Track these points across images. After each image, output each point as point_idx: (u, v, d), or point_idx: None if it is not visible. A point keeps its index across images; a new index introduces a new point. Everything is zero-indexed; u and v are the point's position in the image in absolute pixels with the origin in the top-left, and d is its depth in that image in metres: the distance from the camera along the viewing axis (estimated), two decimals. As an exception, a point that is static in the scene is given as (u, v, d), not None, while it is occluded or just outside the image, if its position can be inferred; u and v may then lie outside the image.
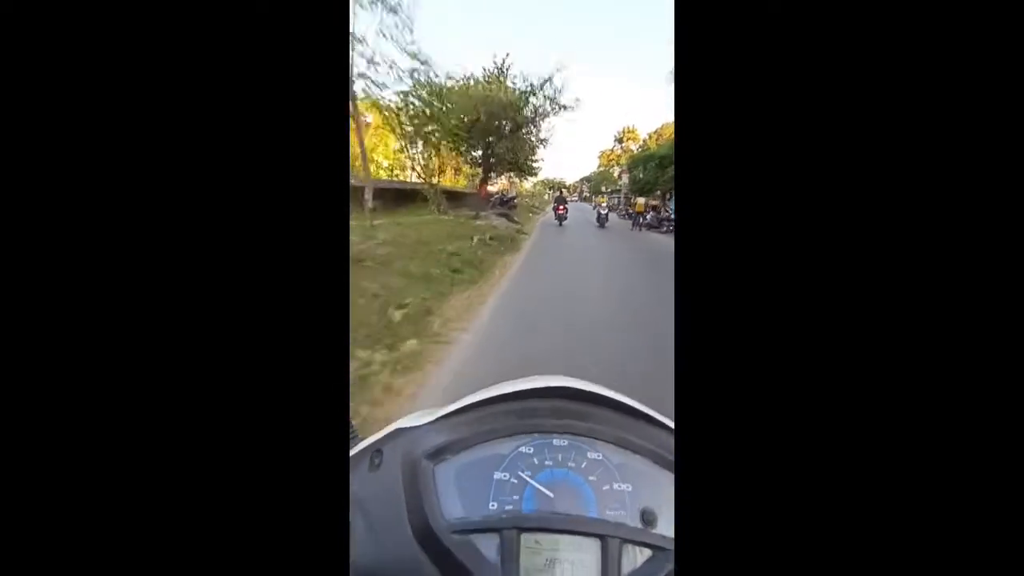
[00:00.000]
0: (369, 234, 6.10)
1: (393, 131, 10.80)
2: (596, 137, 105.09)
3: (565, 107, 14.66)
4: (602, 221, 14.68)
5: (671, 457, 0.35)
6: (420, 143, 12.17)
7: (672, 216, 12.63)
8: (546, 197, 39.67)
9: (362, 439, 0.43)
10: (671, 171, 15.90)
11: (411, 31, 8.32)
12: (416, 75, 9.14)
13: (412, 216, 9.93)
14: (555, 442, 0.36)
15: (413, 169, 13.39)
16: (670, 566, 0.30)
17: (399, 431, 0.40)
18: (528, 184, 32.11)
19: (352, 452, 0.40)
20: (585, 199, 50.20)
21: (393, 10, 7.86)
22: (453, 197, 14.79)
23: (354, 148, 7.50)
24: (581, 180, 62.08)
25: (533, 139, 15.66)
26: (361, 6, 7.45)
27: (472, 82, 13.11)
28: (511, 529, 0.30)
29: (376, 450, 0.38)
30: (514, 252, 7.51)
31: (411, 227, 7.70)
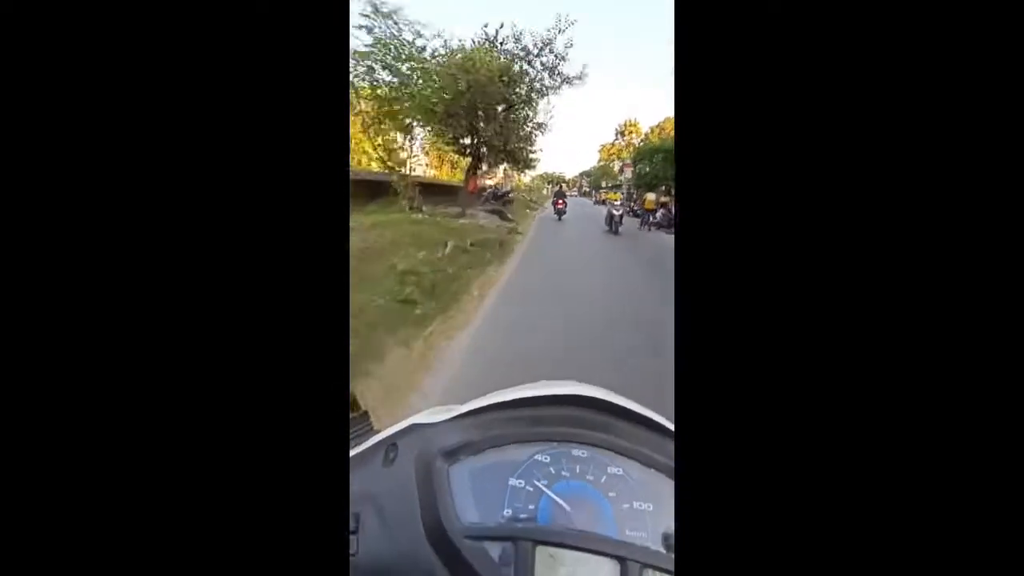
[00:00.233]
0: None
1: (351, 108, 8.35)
2: (596, 130, 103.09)
3: (569, 80, 10.83)
4: (615, 226, 10.39)
5: None
6: (385, 121, 9.36)
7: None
8: (545, 192, 37.71)
9: (376, 432, 0.43)
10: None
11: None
12: (376, 31, 6.98)
13: (376, 215, 7.79)
14: (574, 452, 0.35)
15: (380, 157, 10.05)
16: None
17: (415, 426, 0.40)
18: (527, 178, 30.07)
19: (367, 445, 0.41)
20: (585, 194, 48.65)
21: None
22: (439, 191, 12.68)
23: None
24: (580, 175, 60.29)
25: (529, 123, 11.61)
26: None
27: (459, 55, 9.79)
28: (527, 540, 0.30)
29: (391, 444, 0.39)
30: (502, 262, 5.77)
31: (367, 229, 5.82)
